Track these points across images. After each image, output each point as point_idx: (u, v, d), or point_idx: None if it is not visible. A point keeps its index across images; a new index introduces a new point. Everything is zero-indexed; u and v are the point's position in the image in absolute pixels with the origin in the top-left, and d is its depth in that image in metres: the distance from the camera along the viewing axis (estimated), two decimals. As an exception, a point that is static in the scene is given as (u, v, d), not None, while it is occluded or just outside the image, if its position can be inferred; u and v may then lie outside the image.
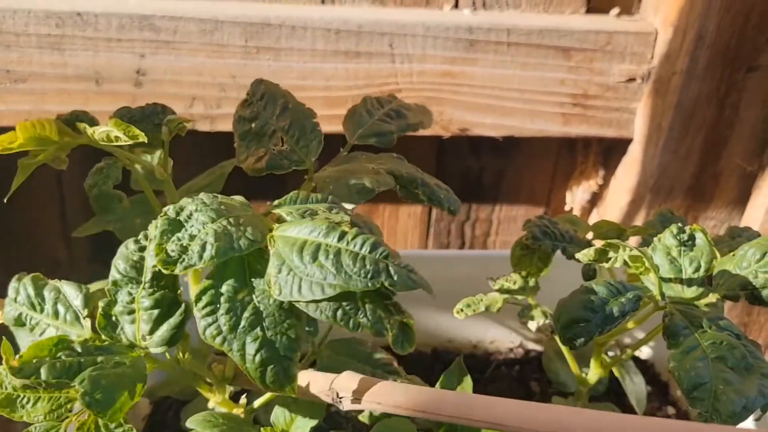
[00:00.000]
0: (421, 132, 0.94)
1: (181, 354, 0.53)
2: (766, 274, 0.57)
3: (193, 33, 0.86)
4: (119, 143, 0.53)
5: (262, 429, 0.59)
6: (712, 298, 0.59)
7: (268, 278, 0.45)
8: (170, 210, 0.46)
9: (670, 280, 0.59)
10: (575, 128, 0.95)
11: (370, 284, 0.42)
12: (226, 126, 0.90)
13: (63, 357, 0.47)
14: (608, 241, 0.56)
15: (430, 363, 0.84)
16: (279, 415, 0.59)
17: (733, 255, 0.60)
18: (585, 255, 0.57)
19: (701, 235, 0.61)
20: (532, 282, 0.65)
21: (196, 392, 0.69)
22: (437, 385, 0.59)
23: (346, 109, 0.67)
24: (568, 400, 0.69)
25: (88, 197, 0.90)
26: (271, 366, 0.45)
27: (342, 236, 0.44)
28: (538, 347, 0.87)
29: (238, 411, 0.61)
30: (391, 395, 0.49)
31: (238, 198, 0.50)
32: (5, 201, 0.56)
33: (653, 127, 0.93)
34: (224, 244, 0.43)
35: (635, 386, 0.70)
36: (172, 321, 0.50)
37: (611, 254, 0.57)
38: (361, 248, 0.44)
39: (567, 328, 0.51)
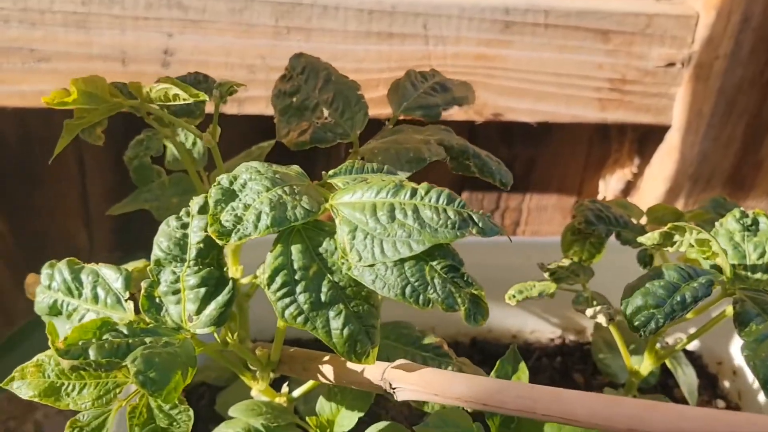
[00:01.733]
0: (454, 117, 0.93)
1: (229, 335, 0.50)
2: None
3: (222, 12, 0.83)
4: (178, 102, 0.51)
5: (307, 418, 0.56)
6: None
7: (341, 247, 0.43)
8: (224, 179, 0.44)
9: (734, 265, 0.57)
10: (612, 114, 0.93)
11: (459, 234, 0.41)
12: (255, 109, 0.87)
13: (110, 338, 0.44)
14: (675, 223, 0.53)
15: (468, 353, 0.81)
16: (324, 405, 0.57)
17: None
18: (649, 238, 0.55)
19: (765, 219, 0.59)
20: (584, 267, 0.63)
21: (232, 378, 0.67)
22: (492, 373, 0.56)
23: (377, 93, 0.65)
24: (618, 391, 0.67)
25: (110, 185, 0.88)
26: (358, 337, 0.44)
27: (414, 193, 0.43)
28: (578, 338, 0.84)
29: (280, 400, 0.59)
30: (450, 386, 0.46)
31: (294, 167, 0.48)
32: (49, 163, 0.55)
33: (693, 114, 0.90)
34: (279, 214, 0.42)
35: (687, 378, 0.67)
36: (220, 299, 0.48)
37: (677, 237, 0.54)
38: (438, 201, 0.42)
39: (636, 314, 0.48)
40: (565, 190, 1.05)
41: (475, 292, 0.43)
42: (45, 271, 0.54)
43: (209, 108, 0.58)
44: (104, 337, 0.44)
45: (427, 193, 0.43)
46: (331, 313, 0.44)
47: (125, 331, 0.45)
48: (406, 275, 0.42)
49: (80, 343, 0.43)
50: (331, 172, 0.49)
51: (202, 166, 0.64)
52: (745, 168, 0.94)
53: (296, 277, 0.43)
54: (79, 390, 0.46)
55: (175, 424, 0.46)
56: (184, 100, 0.50)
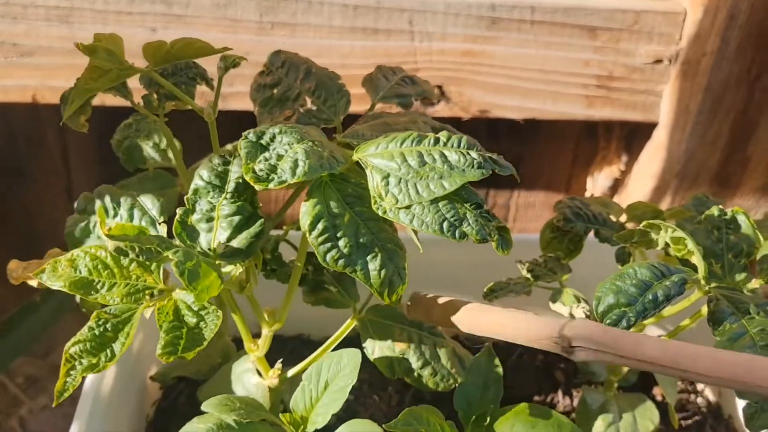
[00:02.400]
0: (440, 113, 0.93)
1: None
2: None
3: (206, 7, 0.83)
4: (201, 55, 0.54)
5: (281, 415, 0.56)
6: (755, 283, 0.57)
7: (376, 193, 0.46)
8: (251, 134, 0.47)
9: (711, 264, 0.57)
10: (599, 111, 0.92)
11: (484, 172, 0.46)
12: (240, 105, 0.87)
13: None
14: (650, 221, 0.53)
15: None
16: (299, 401, 0.57)
17: None
18: (624, 236, 0.54)
19: (744, 217, 0.58)
20: (562, 265, 0.62)
21: (211, 371, 0.67)
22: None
23: (363, 89, 0.66)
24: (597, 389, 0.67)
25: (95, 178, 0.88)
26: (393, 277, 0.47)
27: (437, 140, 0.47)
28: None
29: (273, 375, 0.59)
30: (641, 348, 0.43)
31: (313, 127, 0.51)
32: (60, 124, 0.56)
33: (680, 111, 0.90)
34: (315, 162, 0.45)
35: (666, 376, 0.67)
36: (252, 230, 0.50)
37: (652, 235, 0.54)
38: (460, 146, 0.47)
39: (608, 312, 0.48)
40: (553, 188, 1.05)
41: (502, 225, 0.47)
42: (79, 200, 0.57)
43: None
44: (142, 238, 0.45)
45: (448, 139, 0.47)
46: (369, 257, 0.47)
47: (163, 242, 0.47)
48: (441, 212, 0.45)
49: (123, 235, 0.44)
50: (342, 134, 0.53)
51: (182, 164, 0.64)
52: (732, 165, 0.93)
53: (335, 223, 0.46)
54: (109, 287, 0.48)
55: (202, 323, 0.48)
56: (208, 53, 0.53)
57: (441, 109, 0.92)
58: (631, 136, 0.98)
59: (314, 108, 0.60)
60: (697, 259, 0.51)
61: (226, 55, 0.56)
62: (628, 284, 0.49)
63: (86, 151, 0.97)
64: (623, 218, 0.66)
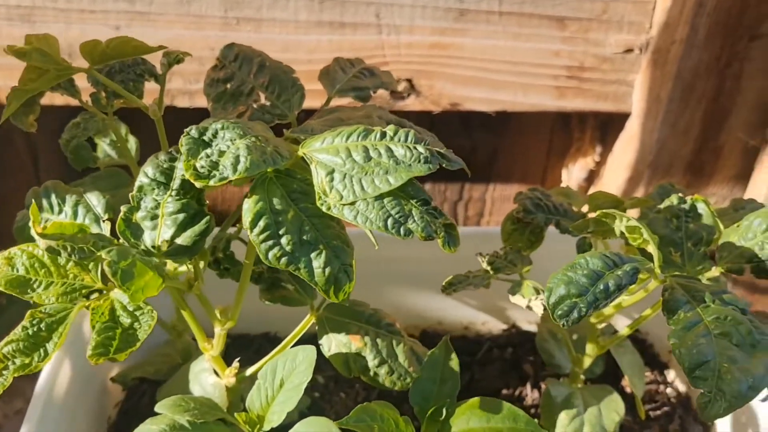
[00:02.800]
0: (411, 107, 0.92)
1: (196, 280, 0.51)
2: None
3: (170, 3, 0.82)
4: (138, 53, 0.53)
5: (236, 414, 0.55)
6: (716, 271, 0.56)
7: (320, 189, 0.45)
8: (193, 131, 0.46)
9: (670, 252, 0.56)
10: (570, 102, 0.91)
11: (431, 167, 0.44)
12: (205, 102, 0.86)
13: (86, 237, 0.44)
14: (604, 210, 0.52)
15: (419, 346, 0.80)
16: (255, 399, 0.56)
17: (738, 226, 0.57)
18: (580, 226, 0.54)
19: (703, 206, 0.58)
20: (523, 257, 0.61)
21: (171, 371, 0.66)
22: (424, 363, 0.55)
23: None
24: (562, 381, 0.66)
25: (64, 178, 0.86)
26: (338, 275, 0.46)
27: (383, 134, 0.46)
28: (532, 328, 0.83)
29: (229, 374, 0.58)
30: None
31: (259, 122, 0.50)
32: None
33: (652, 100, 0.89)
34: (257, 157, 0.44)
35: (632, 367, 0.66)
36: (197, 228, 0.49)
37: (608, 225, 0.53)
38: (407, 140, 0.45)
39: (558, 303, 0.47)
40: (529, 180, 1.04)
41: (448, 222, 0.46)
42: (30, 194, 0.56)
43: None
44: (80, 237, 0.44)
45: (396, 133, 0.46)
46: (313, 254, 0.46)
47: (101, 240, 0.46)
48: (386, 209, 0.45)
49: (58, 234, 0.43)
50: (291, 130, 0.52)
51: (135, 161, 0.63)
52: (704, 154, 0.93)
53: (278, 220, 0.46)
54: (46, 286, 0.47)
55: (137, 324, 0.48)
56: (144, 52, 0.52)
57: (411, 103, 0.91)
58: (605, 127, 0.97)
59: (268, 103, 0.60)
60: (652, 248, 0.51)
61: (168, 52, 0.55)
62: (579, 275, 0.48)
63: (55, 150, 0.96)
64: (585, 208, 0.66)
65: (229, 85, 0.60)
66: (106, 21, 0.82)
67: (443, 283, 0.61)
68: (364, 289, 0.65)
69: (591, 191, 1.02)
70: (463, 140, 1.00)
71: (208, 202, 0.50)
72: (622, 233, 0.54)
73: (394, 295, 0.78)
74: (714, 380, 0.45)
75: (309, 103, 0.65)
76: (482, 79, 0.90)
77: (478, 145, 1.01)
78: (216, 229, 0.61)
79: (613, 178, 0.97)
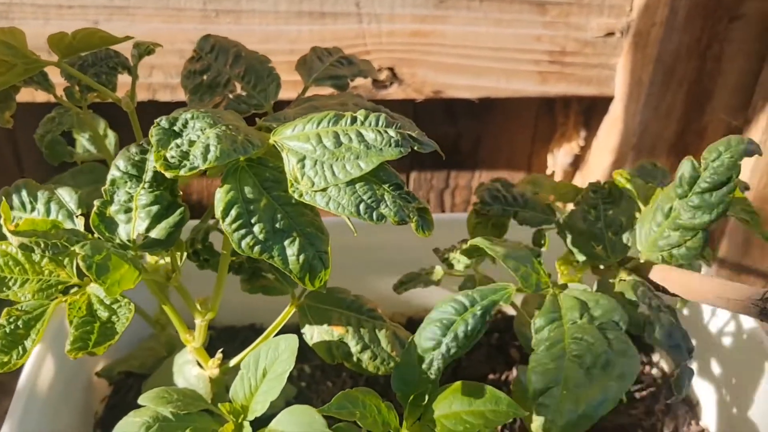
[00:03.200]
0: (394, 96, 0.92)
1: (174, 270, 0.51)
2: (676, 231, 0.51)
3: (148, -3, 0.82)
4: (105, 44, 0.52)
5: (219, 405, 0.55)
6: (636, 261, 0.54)
7: (292, 176, 0.45)
8: (163, 121, 0.45)
9: (593, 246, 0.55)
10: (553, 87, 0.91)
11: (402, 151, 0.44)
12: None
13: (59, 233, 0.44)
14: (471, 242, 0.52)
15: (405, 333, 0.80)
16: (238, 390, 0.56)
17: (652, 207, 0.54)
18: (467, 251, 0.53)
19: (623, 180, 0.56)
20: (479, 251, 0.61)
21: (155, 365, 0.66)
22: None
23: None
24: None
25: (48, 174, 0.86)
26: (313, 262, 0.46)
27: (354, 119, 0.45)
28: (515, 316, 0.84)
29: (212, 366, 0.58)
30: None
31: (230, 111, 0.50)
32: None
33: (633, 83, 0.89)
34: (228, 146, 0.44)
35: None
36: (171, 220, 0.49)
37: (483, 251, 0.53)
38: (378, 124, 0.45)
39: (422, 356, 0.48)
40: (515, 167, 1.04)
41: (421, 207, 0.45)
42: (2, 192, 0.55)
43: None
44: (53, 233, 0.44)
45: (366, 118, 0.45)
46: (286, 242, 0.46)
47: (75, 235, 0.46)
48: (358, 194, 0.44)
49: (31, 230, 0.43)
50: (263, 119, 0.51)
51: (114, 156, 0.63)
52: (687, 136, 0.93)
53: (250, 209, 0.45)
54: (21, 284, 0.47)
55: (114, 317, 0.48)
56: (111, 43, 0.52)
57: (394, 92, 0.91)
58: (589, 111, 0.97)
59: (244, 93, 0.59)
60: (515, 275, 0.49)
61: (138, 43, 0.55)
62: (433, 327, 0.48)
63: (38, 148, 0.96)
64: (552, 197, 0.65)
65: (205, 77, 0.60)
66: (85, 16, 0.82)
67: (395, 283, 0.61)
68: (348, 277, 0.65)
69: (578, 176, 1.02)
70: (448, 128, 1.00)
71: (192, 195, 0.50)
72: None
73: (379, 283, 0.78)
74: (554, 407, 0.44)
75: (289, 94, 0.65)
76: (464, 66, 0.89)
77: (463, 132, 1.01)
78: (197, 222, 0.62)
79: (598, 162, 0.97)
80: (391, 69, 0.89)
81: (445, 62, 0.89)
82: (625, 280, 0.53)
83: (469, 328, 0.47)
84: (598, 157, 0.97)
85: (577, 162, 1.01)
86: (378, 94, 0.90)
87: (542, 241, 0.54)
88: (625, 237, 0.53)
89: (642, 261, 0.53)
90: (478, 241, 0.52)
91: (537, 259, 0.52)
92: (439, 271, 0.60)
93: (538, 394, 0.44)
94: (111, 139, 0.67)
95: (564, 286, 0.52)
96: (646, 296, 0.51)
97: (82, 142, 0.65)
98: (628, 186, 0.54)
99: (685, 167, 0.50)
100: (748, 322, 0.67)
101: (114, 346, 0.74)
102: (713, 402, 0.71)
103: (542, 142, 1.02)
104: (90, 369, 0.70)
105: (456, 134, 1.00)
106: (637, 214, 0.55)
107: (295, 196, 0.45)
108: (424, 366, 0.47)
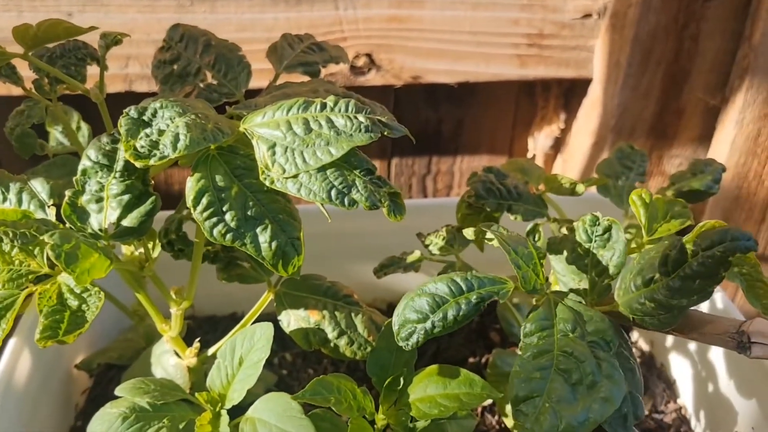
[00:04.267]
0: (372, 82, 0.91)
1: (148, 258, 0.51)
2: (652, 303, 0.47)
3: (122, -13, 0.81)
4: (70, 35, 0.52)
5: (197, 394, 0.55)
6: (612, 307, 0.51)
7: (263, 163, 0.45)
8: (132, 111, 0.45)
9: (572, 279, 0.53)
10: (532, 70, 0.91)
11: (372, 136, 0.44)
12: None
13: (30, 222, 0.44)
14: (485, 224, 0.51)
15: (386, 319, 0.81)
16: (215, 379, 0.56)
17: (636, 263, 0.50)
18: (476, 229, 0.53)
19: (617, 231, 0.51)
20: (462, 238, 0.61)
21: (135, 356, 0.66)
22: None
23: None
24: (513, 352, 0.67)
25: (25, 163, 0.85)
26: (286, 248, 0.46)
27: (324, 106, 0.45)
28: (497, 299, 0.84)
29: (190, 355, 0.58)
30: None
31: (200, 100, 0.50)
32: None
33: (612, 65, 0.89)
34: (197, 135, 0.44)
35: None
36: (142, 209, 0.49)
37: (488, 235, 0.52)
38: (348, 110, 0.45)
39: (402, 326, 0.47)
40: (496, 151, 1.04)
41: (393, 191, 0.45)
42: None
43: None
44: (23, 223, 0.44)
45: (336, 104, 0.45)
46: (258, 229, 0.46)
47: (45, 226, 0.46)
48: (329, 180, 0.44)
49: (1, 220, 0.43)
50: (233, 107, 0.51)
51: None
52: (666, 117, 0.93)
53: (221, 197, 0.45)
54: None
55: (85, 305, 0.48)
56: (76, 34, 0.51)
57: (372, 78, 0.91)
58: (569, 94, 0.97)
59: (215, 82, 0.59)
60: (516, 272, 0.48)
61: (105, 33, 0.55)
62: (423, 300, 0.47)
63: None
64: (542, 187, 0.65)
65: (176, 66, 0.60)
66: (58, 8, 0.81)
67: (375, 267, 0.61)
68: (326, 265, 0.65)
69: (559, 159, 1.02)
70: (429, 113, 1.00)
71: (173, 186, 0.50)
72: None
73: (358, 270, 0.78)
74: (533, 417, 0.43)
75: (263, 83, 0.64)
76: (443, 51, 0.89)
77: (444, 117, 1.00)
78: (171, 212, 0.62)
79: (578, 145, 0.97)
80: (368, 55, 0.89)
81: (423, 47, 0.89)
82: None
83: (460, 312, 0.47)
84: (578, 140, 0.97)
85: (557, 145, 1.01)
86: (356, 80, 0.90)
87: (536, 236, 0.53)
88: (605, 282, 0.51)
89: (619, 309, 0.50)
90: (487, 225, 0.52)
91: (541, 260, 0.50)
92: (417, 254, 0.60)
93: (519, 401, 0.44)
94: (84, 131, 0.66)
95: (561, 295, 0.51)
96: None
97: (56, 135, 0.65)
98: (621, 236, 0.51)
99: (674, 248, 0.46)
100: (722, 301, 0.68)
101: (93, 338, 0.75)
102: (690, 380, 0.72)
103: (523, 125, 1.02)
104: (69, 362, 0.70)
105: (437, 119, 1.00)
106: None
107: (267, 183, 0.45)
108: (401, 335, 0.46)
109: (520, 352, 0.46)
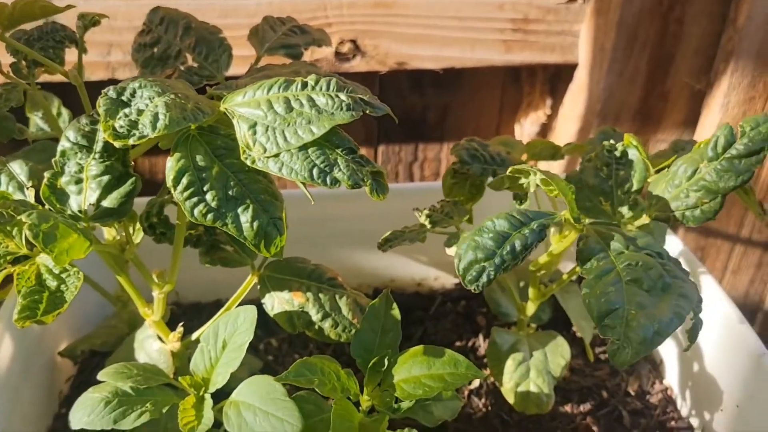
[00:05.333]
0: (357, 68, 0.91)
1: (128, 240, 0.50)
2: (697, 192, 0.53)
3: (103, -27, 0.80)
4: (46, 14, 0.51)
5: (180, 378, 0.55)
6: (645, 219, 0.56)
7: (244, 143, 0.44)
8: (110, 91, 0.44)
9: (600, 202, 0.56)
10: (518, 55, 0.91)
11: (354, 114, 0.43)
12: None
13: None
14: (516, 167, 0.52)
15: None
16: (198, 363, 0.56)
17: (667, 171, 0.57)
18: (495, 183, 0.54)
19: (635, 150, 0.57)
20: (459, 209, 0.61)
21: (118, 342, 0.66)
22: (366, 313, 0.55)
23: None
24: (511, 330, 0.67)
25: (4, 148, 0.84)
26: (268, 228, 0.46)
27: (305, 84, 0.45)
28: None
29: (173, 339, 0.58)
30: None
31: (180, 80, 0.49)
32: None
33: (597, 49, 0.89)
34: (177, 114, 0.43)
35: (580, 312, 0.67)
36: (122, 190, 0.49)
37: (522, 180, 0.53)
38: (329, 89, 0.45)
39: (468, 269, 0.47)
40: (482, 137, 1.02)
41: (376, 170, 0.45)
42: None
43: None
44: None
45: (317, 82, 0.45)
46: (240, 209, 0.45)
47: (23, 207, 0.45)
48: (311, 159, 0.44)
49: None
50: (214, 88, 0.50)
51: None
52: (652, 101, 0.93)
53: (202, 176, 0.45)
54: None
55: (63, 286, 0.47)
56: (52, 13, 0.51)
57: (357, 64, 0.90)
58: (555, 80, 0.97)
59: (195, 65, 0.59)
60: (566, 200, 0.50)
61: (83, 14, 0.54)
62: (486, 238, 0.47)
63: None
64: (525, 157, 0.66)
65: (156, 49, 0.59)
66: (38, -6, 0.80)
67: (380, 240, 0.61)
68: (311, 251, 0.65)
69: (545, 145, 1.02)
70: (415, 100, 0.99)
71: (158, 175, 0.50)
72: (538, 186, 0.53)
73: (344, 256, 0.78)
74: (622, 328, 0.45)
75: (245, 70, 0.64)
76: (428, 37, 0.89)
77: (430, 104, 1.00)
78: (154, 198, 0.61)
79: (565, 130, 0.97)
80: (353, 41, 0.89)
81: (408, 33, 0.88)
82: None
83: (528, 242, 0.47)
84: (565, 125, 0.97)
85: (544, 131, 1.01)
86: (341, 67, 0.90)
87: (522, 201, 0.54)
88: (633, 196, 0.55)
89: (646, 223, 0.55)
90: (526, 168, 0.53)
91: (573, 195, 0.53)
92: (423, 228, 0.59)
93: (602, 316, 0.45)
94: (65, 117, 0.66)
95: (595, 223, 0.55)
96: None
97: (36, 120, 0.64)
98: (639, 152, 0.56)
99: (722, 132, 0.52)
100: (708, 281, 0.68)
101: (76, 325, 0.74)
102: (675, 360, 0.72)
103: (509, 112, 1.02)
104: (52, 349, 0.69)
105: (423, 106, 1.00)
106: (650, 180, 0.57)
107: (248, 162, 0.44)
108: (469, 278, 0.47)
109: (584, 275, 0.48)
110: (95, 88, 0.60)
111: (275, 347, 0.74)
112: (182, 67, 0.58)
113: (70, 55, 0.63)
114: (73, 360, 0.70)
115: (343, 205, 0.77)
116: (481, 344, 0.74)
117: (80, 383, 0.70)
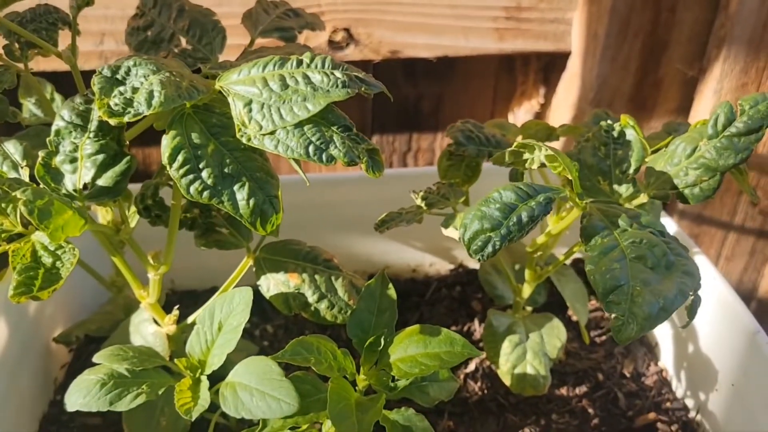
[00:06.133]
0: (350, 57, 0.91)
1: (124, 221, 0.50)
2: (697, 170, 0.54)
3: (96, -39, 0.80)
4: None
5: (176, 360, 0.55)
6: (643, 198, 0.56)
7: (239, 121, 0.44)
8: (105, 69, 0.44)
9: (599, 181, 0.56)
10: (511, 44, 0.91)
11: (349, 92, 0.44)
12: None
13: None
14: (522, 141, 0.52)
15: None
16: (194, 345, 0.56)
17: (665, 150, 0.57)
18: (499, 158, 0.54)
19: (632, 130, 0.58)
20: (456, 190, 0.61)
21: (113, 327, 0.65)
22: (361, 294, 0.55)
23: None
24: (506, 312, 0.67)
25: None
26: (264, 206, 0.46)
27: (300, 62, 0.45)
28: (478, 267, 0.84)
29: (169, 322, 0.58)
30: None
31: (175, 59, 0.49)
32: None
33: (590, 37, 0.89)
34: (172, 92, 0.43)
35: (574, 293, 0.67)
36: (117, 169, 0.48)
37: (527, 155, 0.53)
38: (324, 66, 0.45)
39: (473, 239, 0.47)
40: (477, 127, 1.04)
41: (371, 147, 0.45)
42: None
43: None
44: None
45: (312, 60, 0.45)
46: (236, 186, 0.45)
47: (18, 184, 0.45)
48: (307, 136, 0.44)
49: None
50: (208, 66, 0.51)
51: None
52: (645, 88, 0.93)
53: (197, 154, 0.45)
54: None
55: (59, 262, 0.47)
56: None
57: (351, 53, 0.90)
58: (548, 69, 0.97)
59: (189, 47, 0.59)
60: (571, 176, 0.51)
61: None
62: (493, 208, 0.47)
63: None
64: (520, 139, 0.66)
65: (149, 32, 0.59)
66: (30, -18, 0.80)
67: (376, 222, 0.61)
68: (305, 236, 0.64)
69: (538, 134, 1.02)
70: (409, 89, 1.00)
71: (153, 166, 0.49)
72: (542, 163, 0.54)
73: (339, 242, 0.78)
74: (627, 304, 0.45)
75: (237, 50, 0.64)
76: (422, 25, 0.89)
77: (424, 94, 1.00)
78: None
79: (558, 119, 0.97)
80: (346, 30, 0.89)
81: (401, 21, 0.88)
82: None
83: (534, 213, 0.47)
84: (558, 113, 0.97)
85: (537, 120, 1.01)
86: (335, 55, 0.89)
87: (518, 178, 0.55)
88: (630, 177, 0.56)
89: (644, 202, 0.56)
90: (532, 143, 0.53)
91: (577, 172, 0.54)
92: (420, 209, 0.59)
93: (607, 292, 0.46)
94: (58, 102, 0.65)
95: (596, 202, 0.55)
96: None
97: (29, 106, 0.64)
98: (636, 132, 0.57)
99: (722, 109, 0.53)
100: (702, 261, 0.68)
101: (71, 311, 0.74)
102: (670, 342, 0.72)
103: (503, 101, 1.02)
104: (47, 335, 0.69)
105: (417, 95, 1.00)
106: (647, 159, 0.57)
107: (243, 140, 0.44)
108: (474, 247, 0.47)
109: (588, 252, 0.48)
110: (88, 77, 0.60)
111: (271, 333, 0.74)
112: (176, 50, 0.58)
113: (63, 43, 0.63)
114: (68, 345, 0.70)
115: (337, 191, 0.77)
116: (477, 329, 0.75)
117: (76, 370, 0.69)
